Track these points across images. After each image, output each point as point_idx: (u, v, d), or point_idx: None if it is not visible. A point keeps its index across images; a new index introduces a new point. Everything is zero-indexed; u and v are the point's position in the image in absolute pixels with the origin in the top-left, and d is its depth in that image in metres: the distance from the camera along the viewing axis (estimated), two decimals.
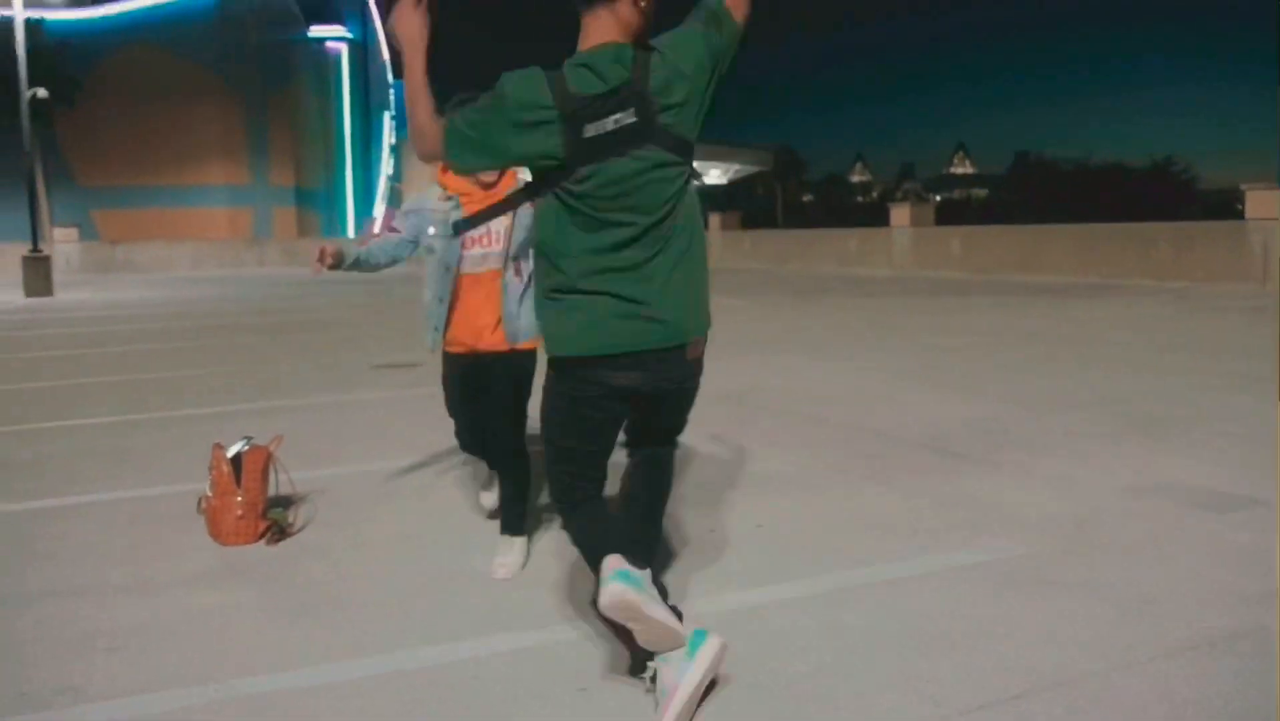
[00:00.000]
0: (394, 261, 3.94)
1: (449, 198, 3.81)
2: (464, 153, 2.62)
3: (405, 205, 3.97)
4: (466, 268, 3.79)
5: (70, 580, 3.78)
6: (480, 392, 3.88)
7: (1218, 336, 10.72)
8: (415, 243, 3.90)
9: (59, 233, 37.70)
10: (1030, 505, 4.48)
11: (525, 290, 3.77)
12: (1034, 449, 5.55)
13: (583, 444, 2.75)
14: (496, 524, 4.10)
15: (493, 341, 3.80)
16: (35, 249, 24.32)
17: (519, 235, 3.74)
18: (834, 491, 4.82)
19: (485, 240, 3.77)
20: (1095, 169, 66.70)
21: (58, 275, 25.30)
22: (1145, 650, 2.95)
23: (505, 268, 3.76)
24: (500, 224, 3.74)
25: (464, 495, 4.83)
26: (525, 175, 3.03)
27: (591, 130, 2.49)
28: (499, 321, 3.78)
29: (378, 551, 4.05)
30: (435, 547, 4.06)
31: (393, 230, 3.91)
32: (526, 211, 3.60)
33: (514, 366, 3.80)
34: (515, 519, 3.85)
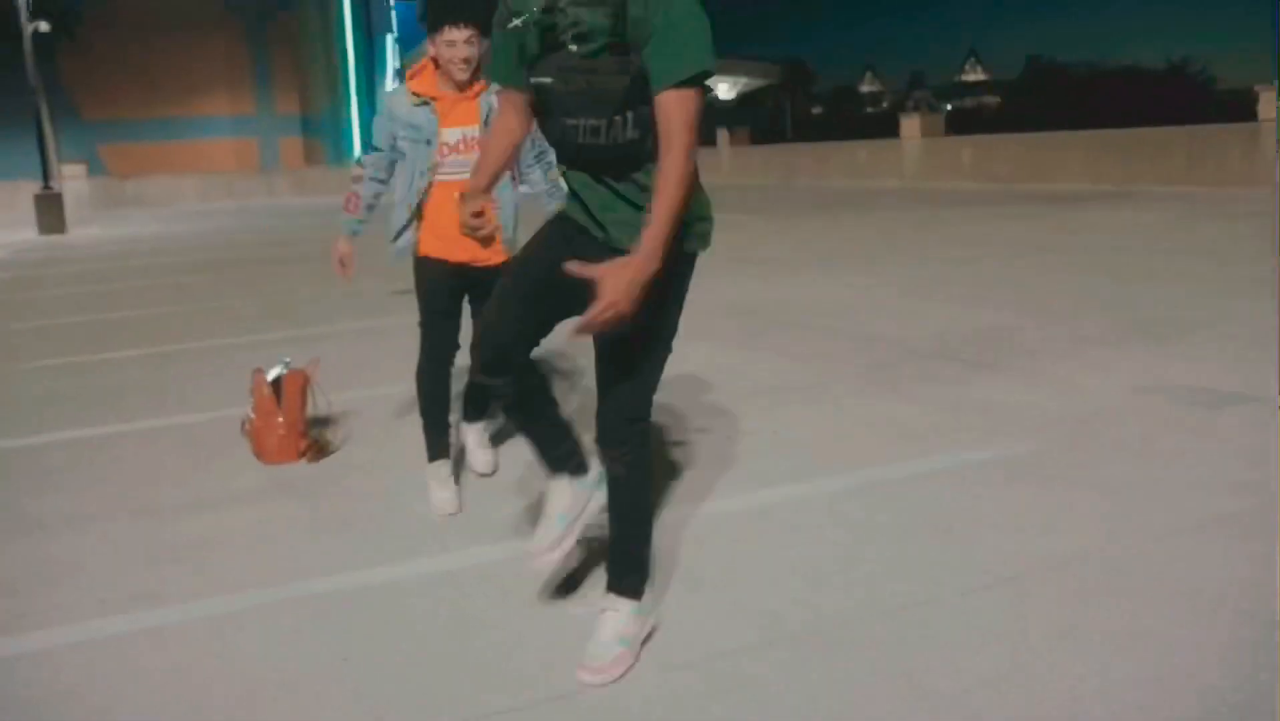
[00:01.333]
0: (386, 183, 3.83)
1: (422, 102, 3.65)
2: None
3: (377, 114, 3.81)
4: (443, 175, 3.63)
5: (129, 501, 4.02)
6: (474, 305, 3.72)
7: (1224, 242, 10.79)
8: (395, 155, 3.75)
9: (67, 169, 37.61)
10: (1035, 406, 4.67)
11: (518, 201, 3.74)
12: (1040, 355, 5.72)
13: None
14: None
15: (488, 255, 3.65)
16: (46, 186, 24.45)
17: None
18: (848, 400, 5.02)
19: (462, 146, 3.62)
20: (1108, 73, 65.58)
21: (69, 212, 25.43)
22: (1136, 534, 3.16)
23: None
24: (475, 130, 3.63)
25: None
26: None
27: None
28: (494, 233, 3.56)
29: (412, 465, 4.26)
30: (460, 461, 4.28)
31: (374, 150, 3.77)
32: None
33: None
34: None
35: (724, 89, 67.74)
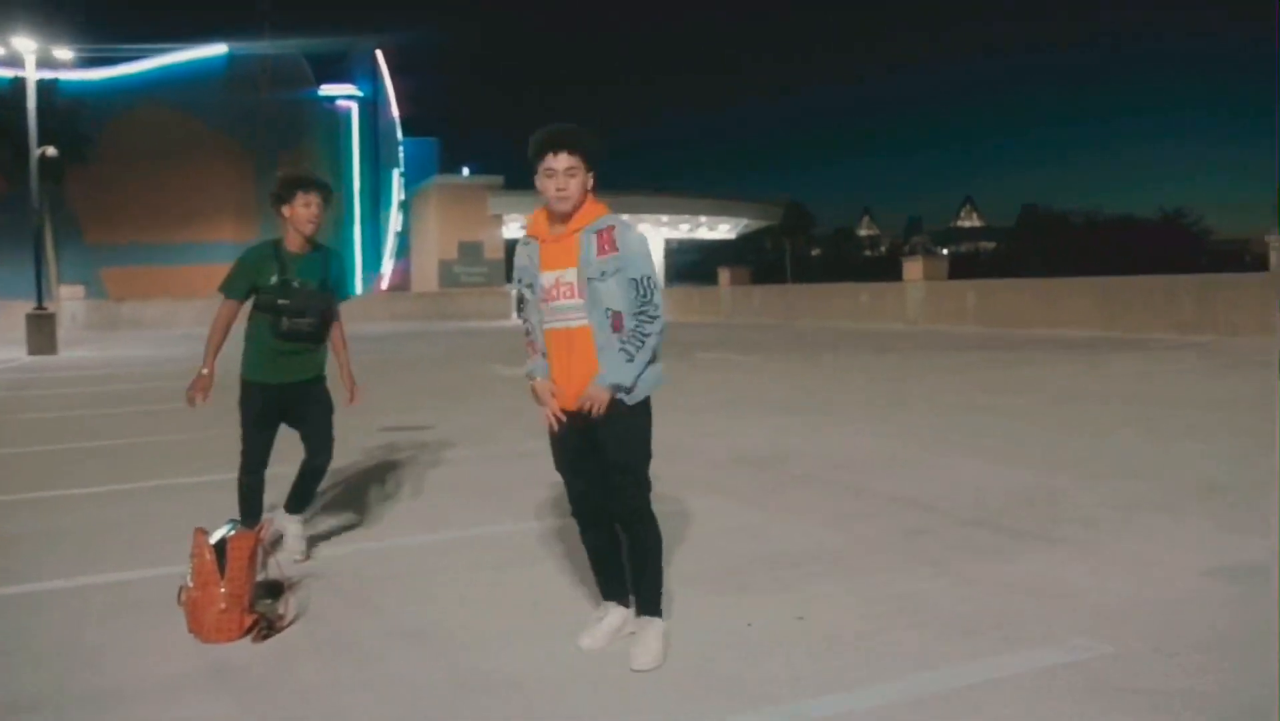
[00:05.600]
0: None
1: (528, 241, 3.43)
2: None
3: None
4: (550, 321, 3.37)
5: (27, 688, 3.34)
6: (591, 451, 3.38)
7: (1256, 392, 10.28)
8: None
9: (65, 290, 37.67)
10: (1106, 592, 4.03)
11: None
12: (1093, 524, 5.10)
13: None
14: (531, 618, 3.69)
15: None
16: (40, 306, 24.13)
17: (592, 287, 3.25)
18: (880, 574, 4.37)
19: (555, 292, 3.33)
20: (1105, 221, 66.60)
21: (62, 332, 25.06)
22: None
23: (594, 322, 3.28)
24: (572, 274, 3.30)
25: (482, 580, 4.39)
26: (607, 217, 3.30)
27: None
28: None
29: (378, 650, 3.60)
30: (445, 645, 3.62)
31: (519, 300, 3.51)
32: (594, 261, 3.26)
33: (624, 422, 3.32)
34: (646, 594, 3.46)
35: (724, 229, 68.62)
